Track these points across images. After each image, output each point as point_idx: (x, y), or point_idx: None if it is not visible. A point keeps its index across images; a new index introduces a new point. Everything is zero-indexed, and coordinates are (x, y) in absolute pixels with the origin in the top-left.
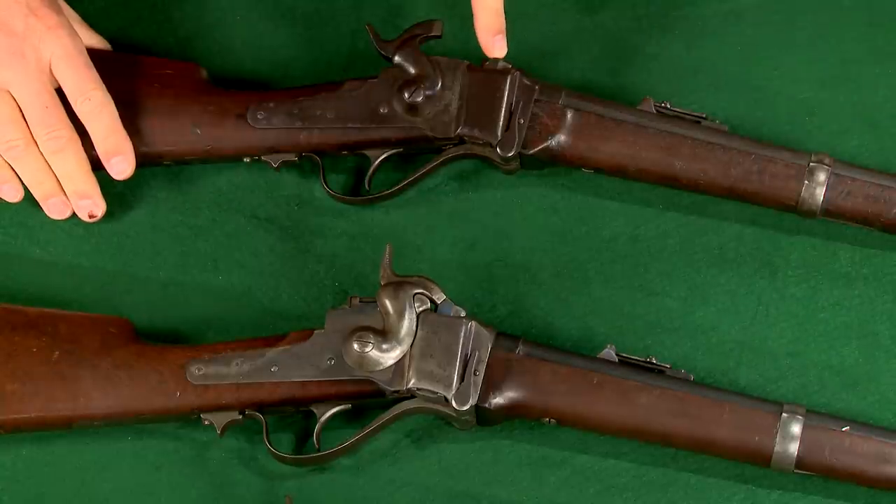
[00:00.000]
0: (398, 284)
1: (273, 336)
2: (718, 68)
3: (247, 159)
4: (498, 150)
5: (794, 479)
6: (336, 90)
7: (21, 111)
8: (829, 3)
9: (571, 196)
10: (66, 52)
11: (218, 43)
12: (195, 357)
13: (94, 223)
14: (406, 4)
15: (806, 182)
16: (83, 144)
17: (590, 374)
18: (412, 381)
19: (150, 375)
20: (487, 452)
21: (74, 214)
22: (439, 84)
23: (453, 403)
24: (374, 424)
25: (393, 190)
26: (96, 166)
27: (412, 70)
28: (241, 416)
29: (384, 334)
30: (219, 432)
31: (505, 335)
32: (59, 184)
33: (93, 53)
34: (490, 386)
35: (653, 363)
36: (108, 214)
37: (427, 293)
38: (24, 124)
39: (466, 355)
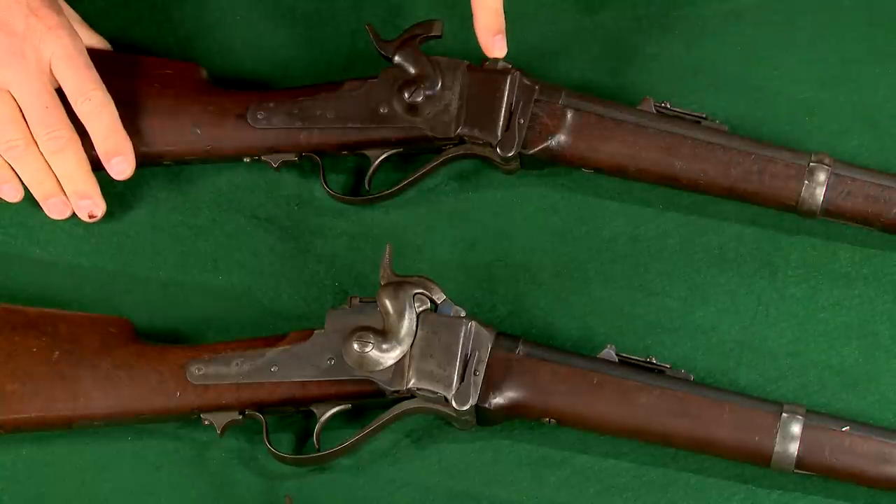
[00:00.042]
0: (398, 284)
1: (273, 336)
2: (718, 68)
3: (247, 159)
4: (498, 150)
5: (794, 479)
6: (336, 90)
7: (21, 111)
8: (829, 3)
9: (571, 196)
10: (67, 53)
11: (218, 43)
12: (195, 357)
13: (94, 223)
14: (406, 4)
15: (806, 182)
16: (83, 144)
17: (590, 374)
18: (412, 381)
19: (150, 375)
20: (487, 452)
21: (74, 214)
22: (439, 84)
23: (453, 403)
24: (374, 424)
25: (393, 190)
26: (96, 166)
27: (412, 70)
28: (241, 416)
29: (384, 334)
30: (219, 432)
31: (505, 335)
32: (59, 184)
33: (93, 53)
34: (490, 386)
35: (653, 363)
36: (108, 214)
37: (427, 293)
38: (24, 124)
39: (466, 355)
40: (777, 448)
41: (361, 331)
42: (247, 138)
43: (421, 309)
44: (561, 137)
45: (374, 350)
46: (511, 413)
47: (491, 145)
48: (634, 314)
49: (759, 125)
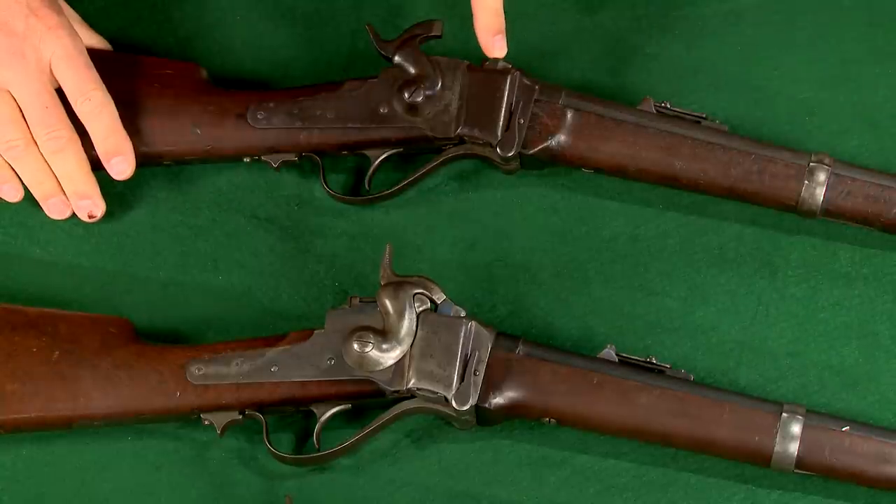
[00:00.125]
0: (398, 284)
1: (273, 336)
2: (718, 68)
3: (247, 159)
4: (498, 150)
5: (794, 479)
6: (336, 90)
7: (21, 111)
8: (829, 3)
9: (571, 196)
10: (67, 53)
11: (218, 43)
12: (195, 357)
13: (94, 223)
14: (406, 4)
15: (806, 182)
16: (83, 144)
17: (590, 374)
18: (412, 381)
19: (150, 375)
20: (487, 452)
21: (74, 214)
22: (439, 84)
23: (453, 403)
24: (374, 424)
25: (393, 190)
26: (96, 166)
27: (412, 70)
28: (241, 416)
29: (384, 334)
30: (219, 432)
31: (505, 335)
32: (59, 184)
33: (93, 53)
34: (490, 386)
35: (653, 363)
36: (108, 214)
37: (427, 293)
38: (24, 124)
39: (466, 355)
40: (777, 448)
41: (361, 331)
42: (247, 138)
43: (421, 309)
44: (561, 137)
45: (374, 350)
46: (511, 413)
47: (491, 145)
48: (634, 314)
49: (759, 125)
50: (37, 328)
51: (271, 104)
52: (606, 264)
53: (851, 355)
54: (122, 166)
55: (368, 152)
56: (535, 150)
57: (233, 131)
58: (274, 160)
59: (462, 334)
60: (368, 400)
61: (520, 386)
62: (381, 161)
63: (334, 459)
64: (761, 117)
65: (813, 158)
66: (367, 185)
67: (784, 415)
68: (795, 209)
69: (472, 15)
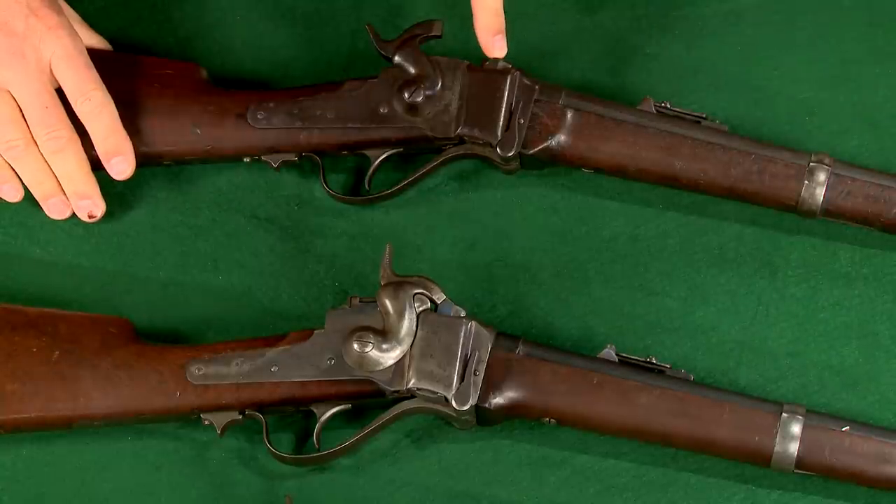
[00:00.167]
0: (398, 284)
1: (273, 336)
2: (718, 68)
3: (247, 159)
4: (498, 150)
5: (794, 479)
6: (336, 90)
7: (21, 111)
8: (829, 3)
9: (571, 196)
10: (67, 53)
11: (218, 43)
12: (195, 357)
13: (94, 223)
14: (406, 4)
15: (806, 182)
16: (83, 144)
17: (590, 374)
18: (412, 381)
19: (150, 375)
20: (487, 452)
21: (74, 214)
22: (439, 84)
23: (453, 403)
24: (374, 424)
25: (393, 190)
26: (96, 166)
27: (412, 70)
28: (241, 416)
29: (384, 334)
30: (219, 432)
31: (505, 335)
32: (59, 184)
33: (93, 53)
34: (490, 386)
35: (653, 363)
36: (108, 214)
37: (427, 293)
38: (24, 124)
39: (466, 355)
40: (777, 448)
41: (361, 331)
42: (247, 138)
43: (421, 309)
44: (561, 137)
45: (374, 350)
46: (511, 413)
47: (491, 145)
48: (634, 314)
49: (759, 125)
50: (37, 328)
51: (271, 104)
52: (606, 264)
53: (851, 355)
54: (122, 166)
55: (368, 152)
56: (535, 150)
57: (233, 131)
58: (274, 160)
59: (462, 334)
60: (368, 400)
61: (520, 386)
62: (381, 161)
63: (334, 459)
64: (761, 117)
65: (813, 158)
66: (367, 185)
67: (784, 415)
68: (795, 209)
69: (472, 15)
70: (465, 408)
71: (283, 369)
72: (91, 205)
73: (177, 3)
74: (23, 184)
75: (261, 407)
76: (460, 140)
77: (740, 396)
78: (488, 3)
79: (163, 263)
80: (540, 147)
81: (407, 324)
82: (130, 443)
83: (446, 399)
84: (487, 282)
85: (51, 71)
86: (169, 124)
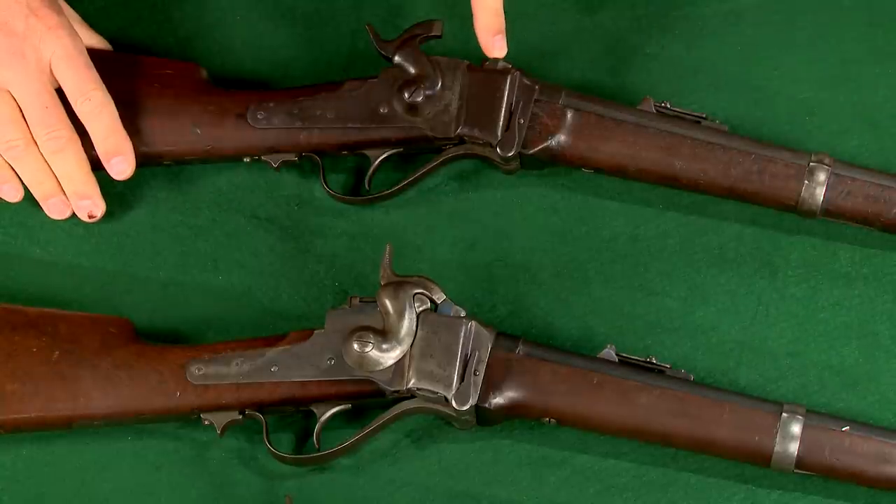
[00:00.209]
0: (398, 284)
1: (273, 336)
2: (718, 68)
3: (247, 159)
4: (498, 150)
5: (794, 479)
6: (336, 90)
7: (21, 111)
8: (829, 3)
9: (571, 196)
10: (67, 53)
11: (218, 43)
12: (195, 357)
13: (94, 223)
14: (406, 4)
15: (806, 182)
16: (83, 144)
17: (590, 374)
18: (412, 381)
19: (150, 375)
20: (487, 452)
21: (74, 214)
22: (439, 84)
23: (453, 403)
24: (374, 424)
25: (393, 190)
26: (96, 166)
27: (412, 70)
28: (241, 416)
29: (384, 334)
30: (219, 432)
31: (505, 335)
32: (59, 184)
33: (93, 53)
34: (490, 386)
35: (653, 363)
36: (108, 214)
37: (427, 293)
38: (24, 124)
39: (466, 355)
40: (777, 448)
41: (361, 331)
42: (247, 138)
43: (421, 309)
44: (561, 137)
45: (374, 350)
46: (511, 413)
47: (491, 145)
48: (634, 314)
49: (759, 125)
50: (37, 328)
51: (271, 104)
52: (606, 264)
53: (851, 355)
54: (122, 166)
55: (368, 152)
56: (535, 150)
57: (233, 131)
58: (274, 160)
59: (462, 334)
60: (368, 400)
61: (520, 386)
62: (381, 161)
63: (334, 459)
64: (761, 117)
65: (813, 158)
66: (367, 185)
67: (784, 415)
68: (795, 209)
69: (472, 15)
70: (465, 408)
71: (283, 369)
72: (91, 205)
73: (177, 3)
74: (23, 184)
75: (261, 407)
76: (460, 140)
77: (740, 396)
78: (488, 3)
79: (163, 263)
80: (540, 147)
81: (407, 324)
82: (130, 443)
83: (446, 399)
84: (487, 282)
85: (51, 71)
86: (169, 124)
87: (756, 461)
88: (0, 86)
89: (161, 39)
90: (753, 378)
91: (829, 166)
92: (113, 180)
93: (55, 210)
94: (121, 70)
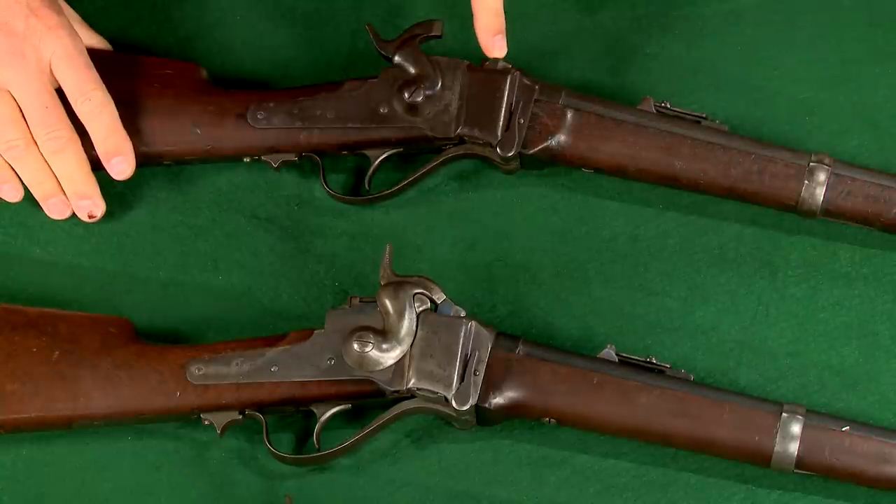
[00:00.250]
0: (398, 284)
1: (273, 336)
2: (718, 68)
3: (247, 159)
4: (498, 150)
5: (794, 479)
6: (336, 90)
7: (21, 111)
8: (829, 3)
9: (571, 196)
10: (67, 53)
11: (218, 43)
12: (195, 357)
13: (94, 223)
14: (406, 4)
15: (806, 182)
16: (83, 144)
17: (590, 374)
18: (412, 381)
19: (150, 375)
20: (487, 452)
21: (74, 214)
22: (439, 84)
23: (453, 403)
24: (374, 424)
25: (393, 190)
26: (96, 166)
27: (412, 70)
28: (241, 416)
29: (384, 334)
30: (219, 432)
31: (505, 335)
32: (59, 184)
33: (93, 53)
34: (490, 386)
35: (653, 363)
36: (108, 214)
37: (427, 293)
38: (24, 124)
39: (466, 355)
40: (777, 448)
41: (361, 331)
42: (247, 138)
43: (421, 309)
44: (561, 137)
45: (374, 350)
46: (511, 413)
47: (491, 145)
48: (634, 314)
49: (759, 125)
50: (37, 328)
51: (271, 104)
52: (606, 264)
53: (851, 355)
54: (122, 166)
55: (368, 152)
56: (535, 150)
57: (233, 131)
58: (274, 160)
59: (462, 334)
60: (368, 400)
61: (520, 386)
62: (381, 161)
63: (334, 459)
64: (761, 117)
65: (813, 158)
66: (367, 185)
67: (784, 415)
68: (795, 209)
69: (472, 15)
70: (465, 408)
71: (283, 369)
72: (91, 205)
73: (177, 3)
74: (23, 184)
75: (261, 407)
76: (460, 140)
77: (740, 396)
78: (488, 4)
79: (163, 263)
80: (540, 147)
81: (407, 324)
82: (130, 443)
83: (446, 399)
84: (487, 282)
85: (51, 71)
86: (169, 124)
87: (756, 461)
88: (0, 86)
89: (161, 39)
90: (753, 378)
91: (829, 166)
92: (113, 180)
93: (55, 210)
94: (121, 70)
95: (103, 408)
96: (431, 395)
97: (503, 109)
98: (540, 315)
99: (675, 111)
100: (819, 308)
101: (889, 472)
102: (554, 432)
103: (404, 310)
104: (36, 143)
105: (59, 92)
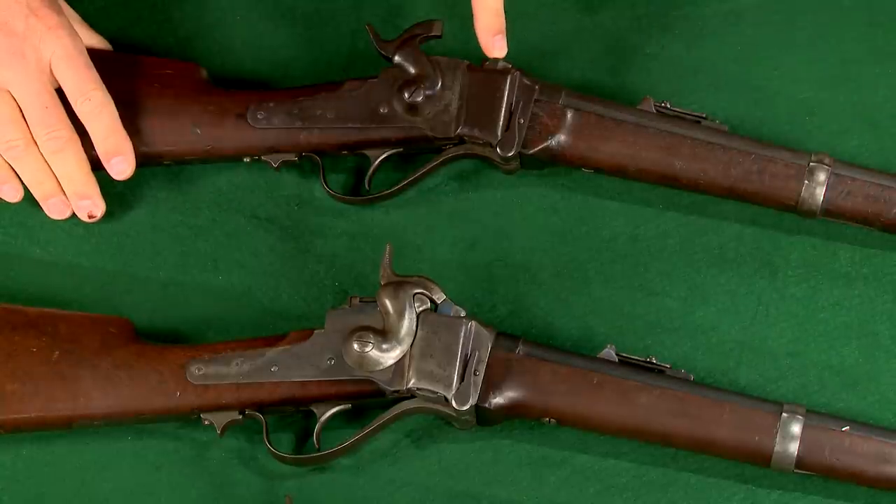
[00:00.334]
0: (398, 284)
1: (273, 336)
2: (718, 68)
3: (247, 159)
4: (498, 150)
5: (794, 479)
6: (336, 90)
7: (21, 111)
8: (829, 3)
9: (571, 196)
10: (67, 53)
11: (218, 43)
12: (195, 357)
13: (94, 223)
14: (406, 4)
15: (806, 182)
16: (83, 144)
17: (590, 374)
18: (412, 381)
19: (150, 375)
20: (487, 452)
21: (74, 214)
22: (439, 84)
23: (453, 403)
24: (374, 424)
25: (393, 190)
26: (96, 166)
27: (412, 70)
28: (241, 416)
29: (384, 334)
30: (219, 432)
31: (505, 335)
32: (59, 184)
33: (93, 53)
34: (490, 386)
35: (653, 363)
36: (108, 214)
37: (427, 293)
38: (24, 124)
39: (466, 355)
40: (777, 448)
41: (361, 331)
42: (247, 138)
43: (421, 309)
44: (561, 137)
45: (374, 350)
46: (511, 413)
47: (491, 145)
48: (634, 314)
49: (759, 125)
50: (37, 328)
51: (271, 104)
52: (606, 264)
53: (851, 355)
54: (122, 166)
55: (368, 152)
56: (535, 150)
57: (233, 131)
58: (274, 160)
59: (462, 334)
60: (368, 400)
61: (520, 386)
62: (381, 161)
63: (334, 459)
64: (761, 117)
65: (813, 158)
66: (367, 185)
67: (784, 415)
68: (795, 209)
69: (472, 15)
70: (465, 408)
71: (283, 369)
72: (91, 205)
73: (177, 3)
74: (23, 184)
75: (261, 407)
76: (460, 140)
77: (740, 396)
78: (488, 4)
79: (163, 263)
80: (540, 147)
81: (407, 324)
82: (130, 443)
83: (446, 399)
84: (487, 282)
85: (51, 71)
86: (169, 124)
87: (756, 461)
88: (0, 86)
89: (161, 39)
90: (753, 378)
91: (829, 166)
92: (113, 180)
93: (55, 210)
94: (121, 70)
95: (103, 408)
96: (431, 395)
97: (503, 109)
98: (540, 315)
99: (675, 111)
100: (819, 308)
101: (889, 472)
102: (554, 432)
103: (404, 310)
104: (36, 143)
105: (59, 92)
